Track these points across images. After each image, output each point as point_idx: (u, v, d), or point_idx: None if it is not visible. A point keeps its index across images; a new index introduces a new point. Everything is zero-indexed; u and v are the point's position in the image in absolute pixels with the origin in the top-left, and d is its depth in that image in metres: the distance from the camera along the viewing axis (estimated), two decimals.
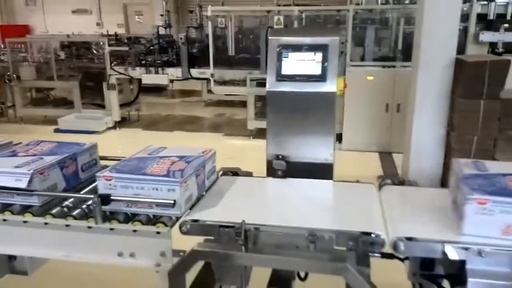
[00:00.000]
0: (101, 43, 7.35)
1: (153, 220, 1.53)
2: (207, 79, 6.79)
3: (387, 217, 1.49)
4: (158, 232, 1.48)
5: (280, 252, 1.34)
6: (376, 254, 1.51)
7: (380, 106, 5.78)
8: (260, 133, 6.29)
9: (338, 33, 1.94)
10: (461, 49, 5.30)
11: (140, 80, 7.12)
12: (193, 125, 7.91)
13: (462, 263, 1.28)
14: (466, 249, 1.26)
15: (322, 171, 2.01)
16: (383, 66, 5.92)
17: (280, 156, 2.02)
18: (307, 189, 1.80)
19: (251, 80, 6.45)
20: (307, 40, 1.94)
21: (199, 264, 1.61)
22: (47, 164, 1.64)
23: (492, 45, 5.30)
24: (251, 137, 6.57)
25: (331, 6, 7.39)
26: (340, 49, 1.94)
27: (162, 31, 7.61)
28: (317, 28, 5.76)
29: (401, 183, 1.79)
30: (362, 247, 1.35)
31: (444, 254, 1.28)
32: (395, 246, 1.31)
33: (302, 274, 1.83)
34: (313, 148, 2.01)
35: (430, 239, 1.30)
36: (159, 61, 6.80)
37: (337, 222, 1.48)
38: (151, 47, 7.02)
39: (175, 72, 6.76)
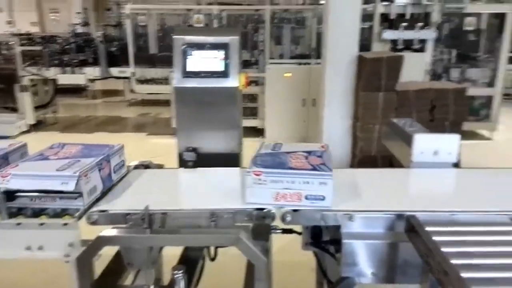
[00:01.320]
0: (11, 42, 6.93)
1: (60, 214, 1.59)
2: (128, 78, 6.71)
3: None
4: (65, 224, 1.54)
5: (181, 231, 1.48)
6: (278, 231, 1.71)
7: (298, 101, 6.13)
8: None
9: (238, 33, 2.10)
10: (368, 46, 5.80)
11: (55, 80, 6.84)
12: (116, 125, 7.74)
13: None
14: (340, 216, 1.49)
15: (231, 160, 2.17)
16: (299, 63, 6.28)
17: (191, 148, 2.14)
18: (213, 177, 1.95)
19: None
20: (210, 39, 2.08)
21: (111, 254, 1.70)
22: (88, 166, 1.59)
23: (394, 43, 5.83)
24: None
25: (250, 6, 7.65)
26: (240, 48, 2.11)
27: (80, 30, 7.37)
28: (219, 28, 5.98)
29: None
30: (255, 221, 1.53)
31: (323, 221, 1.50)
32: (283, 218, 1.50)
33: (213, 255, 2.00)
34: (221, 140, 2.16)
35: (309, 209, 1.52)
36: (75, 61, 6.59)
37: (237, 203, 1.64)
38: (67, 46, 6.78)
39: (93, 72, 6.60)
